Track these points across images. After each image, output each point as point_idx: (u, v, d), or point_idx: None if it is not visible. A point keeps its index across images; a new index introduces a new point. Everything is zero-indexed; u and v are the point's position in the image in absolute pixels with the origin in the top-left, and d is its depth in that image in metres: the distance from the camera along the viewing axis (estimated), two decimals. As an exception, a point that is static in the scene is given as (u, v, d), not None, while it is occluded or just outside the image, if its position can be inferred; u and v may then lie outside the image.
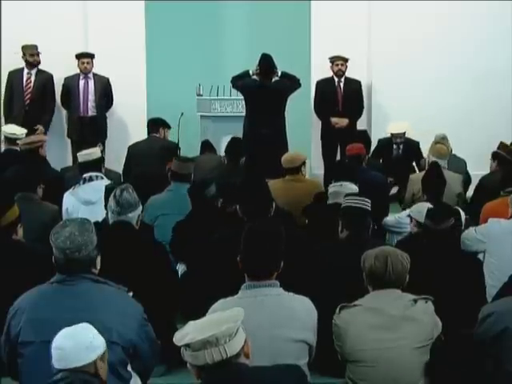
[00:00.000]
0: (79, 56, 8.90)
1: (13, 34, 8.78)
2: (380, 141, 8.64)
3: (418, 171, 8.13)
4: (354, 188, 5.39)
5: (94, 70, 8.99)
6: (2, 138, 7.53)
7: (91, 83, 8.95)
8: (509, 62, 9.21)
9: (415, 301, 3.62)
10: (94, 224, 3.37)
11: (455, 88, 9.20)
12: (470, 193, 7.07)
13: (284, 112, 7.79)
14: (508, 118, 9.23)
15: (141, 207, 4.49)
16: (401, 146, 8.62)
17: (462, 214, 5.70)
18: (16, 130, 7.37)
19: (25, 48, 8.75)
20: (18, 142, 7.07)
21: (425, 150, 7.58)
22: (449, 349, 2.79)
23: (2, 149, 7.69)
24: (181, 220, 5.39)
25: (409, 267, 3.65)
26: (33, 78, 8.82)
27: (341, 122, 8.78)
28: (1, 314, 3.37)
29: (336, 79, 8.93)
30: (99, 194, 5.28)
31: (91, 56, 8.92)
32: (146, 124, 7.63)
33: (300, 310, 3.34)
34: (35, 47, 8.76)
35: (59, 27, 9.03)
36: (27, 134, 7.32)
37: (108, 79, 8.97)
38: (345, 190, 5.25)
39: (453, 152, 7.70)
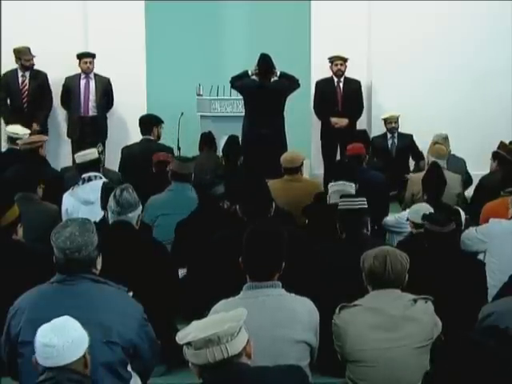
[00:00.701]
0: (81, 56, 8.90)
1: (13, 33, 8.78)
2: (374, 138, 8.70)
3: (416, 169, 8.17)
4: (353, 187, 5.38)
5: (94, 70, 8.98)
6: (5, 137, 7.52)
7: (92, 83, 8.95)
8: (509, 61, 9.20)
9: (415, 301, 3.62)
10: (92, 224, 3.38)
11: (455, 88, 9.20)
12: (469, 193, 7.06)
13: (283, 112, 7.80)
14: (508, 117, 9.23)
15: (141, 207, 4.49)
16: (395, 136, 8.70)
17: (462, 214, 5.70)
18: (18, 130, 7.36)
19: (18, 52, 8.70)
20: (17, 141, 7.06)
21: (425, 150, 7.57)
22: (449, 349, 2.79)
23: (3, 148, 7.70)
24: (183, 220, 5.36)
25: (408, 267, 3.65)
26: (27, 81, 8.80)
27: (340, 121, 8.78)
28: (1, 314, 3.37)
29: (335, 79, 8.93)
30: (98, 193, 5.28)
31: (93, 56, 8.92)
32: (138, 123, 7.56)
33: (301, 311, 3.34)
34: (28, 51, 8.71)
35: (59, 27, 9.03)
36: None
37: (109, 79, 8.97)
38: (344, 189, 5.24)
39: (452, 152, 7.70)
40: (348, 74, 8.96)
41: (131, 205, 4.34)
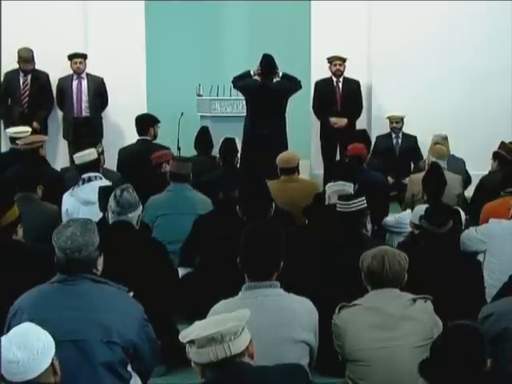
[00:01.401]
0: (71, 57, 8.88)
1: (13, 33, 8.78)
2: (378, 137, 8.72)
3: (415, 170, 8.17)
4: (351, 188, 5.38)
5: (94, 71, 8.97)
6: (5, 137, 7.52)
7: (84, 83, 8.93)
8: (509, 62, 9.19)
9: (414, 300, 3.63)
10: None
11: (455, 88, 9.19)
12: (469, 193, 7.06)
13: (285, 113, 7.80)
14: (508, 118, 9.22)
15: (141, 207, 4.49)
16: (399, 136, 8.69)
17: (462, 214, 5.70)
18: (19, 130, 7.36)
19: (19, 57, 8.68)
20: (17, 141, 7.06)
21: (425, 150, 7.57)
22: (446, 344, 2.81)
23: (4, 149, 7.69)
24: (200, 218, 5.32)
25: (407, 267, 3.66)
26: (29, 82, 8.79)
27: (340, 121, 8.78)
28: (1, 314, 3.37)
29: (334, 79, 8.93)
30: (98, 194, 5.29)
31: (84, 56, 8.90)
32: (134, 123, 7.55)
33: (300, 311, 3.34)
34: (30, 57, 8.69)
35: (59, 27, 9.03)
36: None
37: (102, 79, 8.95)
38: (343, 190, 5.24)
39: (452, 152, 7.69)
40: (348, 74, 8.96)
41: (131, 205, 4.35)
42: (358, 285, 3.72)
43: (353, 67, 8.92)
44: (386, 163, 7.97)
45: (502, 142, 7.15)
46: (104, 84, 8.96)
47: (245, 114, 7.99)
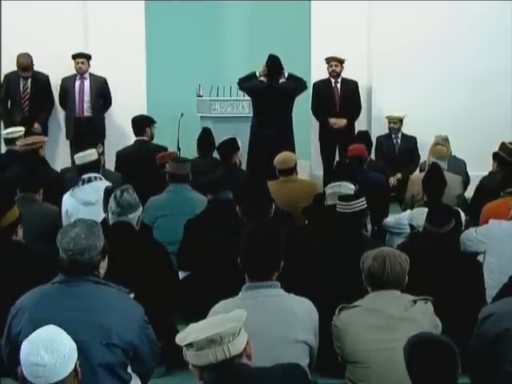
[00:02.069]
0: (74, 56, 8.88)
1: (13, 34, 8.78)
2: (378, 137, 8.70)
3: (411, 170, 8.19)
4: (351, 188, 5.38)
5: (94, 71, 8.98)
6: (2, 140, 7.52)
7: (87, 83, 8.93)
8: (509, 62, 9.19)
9: (415, 301, 3.62)
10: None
11: (455, 88, 9.18)
12: (469, 193, 7.07)
13: (291, 113, 7.81)
14: (509, 118, 9.22)
15: (141, 208, 4.49)
16: (398, 136, 8.68)
17: (462, 214, 5.70)
18: (12, 130, 7.36)
19: (17, 62, 8.66)
20: (16, 142, 7.06)
21: (425, 151, 7.57)
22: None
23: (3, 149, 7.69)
24: (192, 219, 5.33)
25: (408, 268, 3.65)
26: (29, 86, 8.77)
27: (339, 122, 8.78)
28: (1, 315, 3.38)
29: (333, 80, 8.93)
30: (98, 194, 5.28)
31: (87, 56, 8.91)
32: (131, 124, 7.54)
33: (301, 312, 3.34)
34: (30, 59, 8.67)
35: (59, 27, 9.03)
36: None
37: (105, 79, 8.96)
38: (343, 190, 5.24)
39: (452, 153, 7.70)
40: (348, 74, 8.96)
41: (131, 206, 4.35)
42: (358, 285, 3.72)
43: (353, 67, 8.92)
44: (385, 163, 7.97)
45: (502, 143, 7.15)
46: (107, 84, 8.97)
47: (245, 115, 7.99)
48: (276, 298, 3.32)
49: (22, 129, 7.41)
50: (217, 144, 7.10)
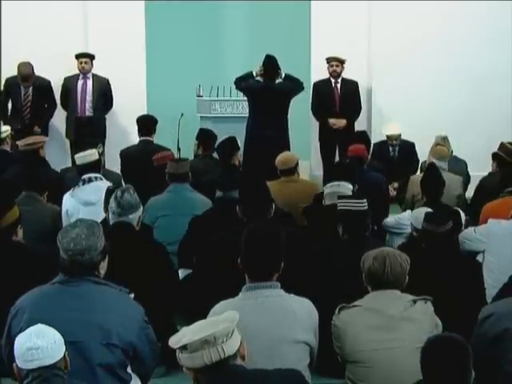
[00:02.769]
0: (78, 56, 8.89)
1: (13, 34, 8.78)
2: (375, 145, 8.57)
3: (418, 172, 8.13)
4: (349, 188, 5.38)
5: (94, 70, 8.98)
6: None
7: (89, 83, 8.93)
8: (509, 62, 9.19)
9: (414, 301, 3.63)
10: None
11: (456, 88, 9.18)
12: (469, 193, 7.07)
13: (287, 114, 7.80)
14: (508, 118, 9.22)
15: (142, 208, 4.49)
16: (396, 148, 8.59)
17: (462, 214, 5.71)
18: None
19: (20, 71, 8.61)
20: (17, 142, 7.06)
21: (425, 151, 7.57)
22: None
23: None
24: (197, 217, 5.33)
25: (408, 268, 3.65)
26: (30, 93, 8.71)
27: (339, 122, 8.78)
28: (1, 315, 3.38)
29: (333, 80, 8.93)
30: (99, 194, 5.28)
31: (90, 56, 8.90)
32: (137, 123, 7.53)
33: (301, 312, 3.34)
34: (30, 69, 8.61)
35: (59, 27, 9.03)
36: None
37: (108, 80, 8.95)
38: (341, 190, 5.24)
39: (453, 153, 7.70)
40: (348, 74, 8.96)
41: (132, 206, 4.35)
42: (358, 285, 3.72)
43: (353, 67, 8.92)
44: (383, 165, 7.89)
45: (502, 143, 7.15)
46: (109, 85, 8.96)
47: (245, 115, 7.98)
48: (276, 299, 3.32)
49: (8, 128, 7.40)
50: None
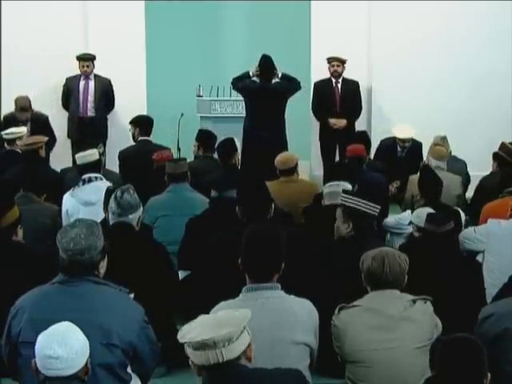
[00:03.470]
0: (79, 58, 8.88)
1: (13, 33, 8.78)
2: (383, 142, 8.57)
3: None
4: (349, 188, 5.37)
5: (94, 71, 8.97)
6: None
7: (91, 84, 8.93)
8: (509, 62, 9.20)
9: (414, 301, 3.63)
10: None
11: (456, 88, 9.19)
12: (469, 193, 7.07)
13: (284, 114, 7.80)
14: (508, 118, 9.22)
15: (141, 208, 4.49)
16: (404, 149, 8.55)
17: (462, 214, 5.71)
18: (13, 130, 7.35)
19: (18, 104, 8.46)
20: (17, 142, 7.06)
21: (425, 151, 7.57)
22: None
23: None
24: (194, 218, 5.33)
25: (407, 268, 3.65)
26: (29, 127, 8.36)
27: (339, 122, 8.78)
28: (1, 315, 3.38)
29: (333, 80, 8.92)
30: (99, 194, 5.28)
31: (91, 59, 8.89)
32: (138, 124, 7.53)
33: (301, 313, 3.34)
34: (28, 102, 8.48)
35: (59, 27, 9.03)
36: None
37: (109, 81, 8.95)
38: (341, 190, 5.22)
39: (453, 153, 7.69)
40: (348, 74, 8.95)
41: (132, 206, 4.35)
42: (358, 285, 3.72)
43: (353, 68, 8.92)
44: (390, 169, 7.85)
45: (502, 143, 7.16)
46: (111, 85, 8.96)
47: (245, 115, 7.99)
48: (276, 300, 3.32)
49: (23, 129, 7.41)
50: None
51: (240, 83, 7.83)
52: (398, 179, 7.80)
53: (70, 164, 8.05)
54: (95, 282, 3.27)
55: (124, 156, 7.36)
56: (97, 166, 6.03)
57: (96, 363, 3.09)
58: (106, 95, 8.95)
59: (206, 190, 5.77)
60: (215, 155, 7.10)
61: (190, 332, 2.63)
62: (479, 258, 5.01)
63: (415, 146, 8.47)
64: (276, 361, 3.07)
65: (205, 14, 10.55)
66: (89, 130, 8.70)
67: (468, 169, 7.82)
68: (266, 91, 7.67)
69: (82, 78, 8.93)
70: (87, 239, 3.23)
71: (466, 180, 7.55)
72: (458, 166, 7.51)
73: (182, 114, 8.88)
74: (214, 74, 9.74)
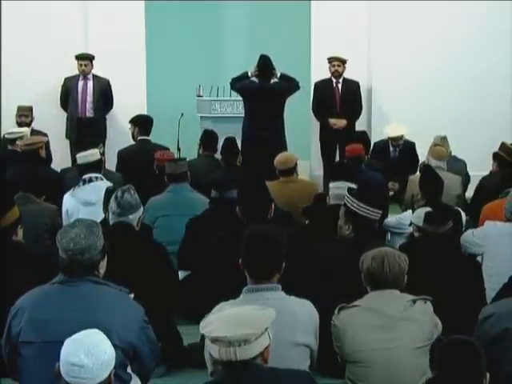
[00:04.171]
0: (78, 57, 8.88)
1: (13, 34, 8.78)
2: (376, 144, 8.57)
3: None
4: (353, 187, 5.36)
5: (94, 71, 8.98)
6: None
7: (90, 84, 8.93)
8: (509, 62, 9.20)
9: (414, 301, 3.62)
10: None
11: (456, 88, 9.19)
12: (469, 193, 7.07)
13: (283, 113, 7.81)
14: (508, 118, 9.23)
15: (142, 209, 4.49)
16: (397, 148, 8.56)
17: (463, 214, 5.71)
18: (14, 130, 7.36)
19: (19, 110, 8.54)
20: (17, 142, 7.07)
21: (425, 151, 7.57)
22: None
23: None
24: (194, 219, 5.34)
25: (407, 268, 3.65)
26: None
27: (339, 122, 8.78)
28: (1, 315, 3.38)
29: (334, 80, 8.92)
30: (99, 194, 5.27)
31: (90, 58, 8.89)
32: (138, 124, 7.54)
33: (302, 314, 3.34)
34: (30, 109, 8.56)
35: (59, 27, 9.03)
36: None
37: (108, 81, 8.95)
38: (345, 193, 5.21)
39: (453, 153, 7.70)
40: (348, 74, 8.96)
41: (132, 206, 4.35)
42: (358, 285, 3.72)
43: (353, 68, 8.92)
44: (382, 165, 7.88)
45: (503, 143, 7.17)
46: (110, 86, 8.96)
47: (244, 115, 7.99)
48: (277, 301, 3.30)
49: (24, 129, 7.41)
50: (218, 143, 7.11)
51: (239, 83, 7.83)
52: (393, 180, 7.80)
53: (69, 164, 8.07)
54: (95, 281, 3.27)
55: (123, 156, 7.36)
56: (97, 166, 6.03)
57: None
58: (104, 95, 8.94)
59: (207, 189, 5.78)
60: (216, 155, 7.12)
61: (210, 325, 2.63)
62: (479, 259, 5.01)
63: (408, 145, 8.49)
64: (276, 362, 3.06)
65: (205, 14, 10.56)
66: (87, 130, 8.69)
67: (468, 169, 7.82)
68: (264, 91, 7.68)
69: (80, 78, 8.93)
70: (87, 239, 3.23)
71: (466, 180, 7.55)
72: (458, 166, 7.52)
73: (182, 114, 8.89)
74: (214, 74, 9.75)
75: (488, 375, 2.81)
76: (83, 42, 9.14)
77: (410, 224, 5.44)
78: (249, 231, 3.45)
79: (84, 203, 5.75)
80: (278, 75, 7.81)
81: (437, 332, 3.61)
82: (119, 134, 8.85)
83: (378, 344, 3.52)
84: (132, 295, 3.43)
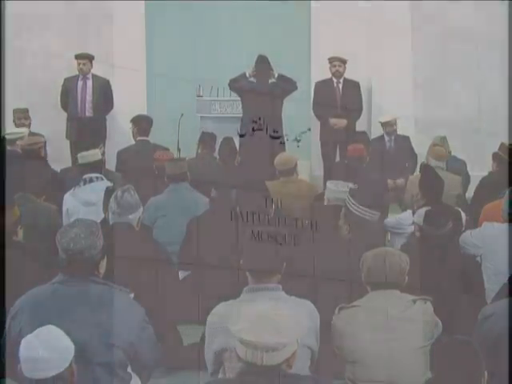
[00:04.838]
0: (77, 57, 8.89)
1: (13, 33, 8.78)
2: (373, 140, 8.59)
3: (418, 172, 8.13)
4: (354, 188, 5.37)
5: (94, 71, 8.98)
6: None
7: (89, 84, 8.92)
8: (507, 62, 9.21)
9: (414, 301, 3.63)
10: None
11: (455, 88, 9.19)
12: (469, 193, 7.08)
13: (281, 114, 7.80)
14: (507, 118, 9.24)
15: (141, 209, 4.50)
16: (392, 138, 8.61)
17: (463, 214, 5.71)
18: (14, 130, 7.37)
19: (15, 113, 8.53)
20: (17, 142, 7.07)
21: (425, 151, 7.58)
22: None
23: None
24: (194, 218, 5.34)
25: (408, 268, 3.66)
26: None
27: (339, 123, 8.77)
28: (1, 315, 3.38)
29: (335, 80, 8.92)
30: (99, 194, 5.28)
31: (89, 57, 8.89)
32: (137, 124, 7.54)
33: (303, 315, 3.33)
34: (26, 111, 8.54)
35: (59, 27, 9.03)
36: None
37: (108, 81, 8.95)
38: (344, 190, 5.23)
39: (453, 153, 7.70)
40: (348, 74, 8.96)
41: (132, 206, 4.36)
42: (358, 285, 3.73)
43: (353, 68, 8.92)
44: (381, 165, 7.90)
45: (502, 143, 7.18)
46: (109, 85, 8.96)
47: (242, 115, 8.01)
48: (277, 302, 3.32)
49: (23, 130, 7.41)
50: (216, 144, 7.12)
51: (237, 84, 7.85)
52: (393, 177, 7.82)
53: (69, 164, 8.07)
54: (95, 281, 3.28)
55: (122, 155, 7.37)
56: (98, 166, 6.04)
57: (96, 363, 3.10)
58: (104, 95, 8.94)
59: (206, 189, 5.79)
60: (215, 154, 7.13)
61: (241, 323, 2.62)
62: (479, 259, 5.01)
63: (401, 137, 8.57)
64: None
65: (205, 14, 10.54)
66: (87, 130, 8.68)
67: (468, 169, 7.82)
68: (262, 91, 7.69)
69: (80, 78, 8.92)
70: (87, 238, 3.24)
71: (466, 180, 7.55)
72: (458, 166, 7.52)
73: (182, 114, 8.89)
74: (214, 74, 9.74)
75: (486, 374, 2.82)
76: (83, 41, 9.14)
77: (412, 224, 5.44)
78: (249, 231, 3.45)
79: (84, 203, 5.75)
80: (276, 75, 7.81)
81: (437, 332, 3.61)
82: (119, 133, 8.85)
83: (378, 344, 3.53)
84: (132, 295, 3.43)
